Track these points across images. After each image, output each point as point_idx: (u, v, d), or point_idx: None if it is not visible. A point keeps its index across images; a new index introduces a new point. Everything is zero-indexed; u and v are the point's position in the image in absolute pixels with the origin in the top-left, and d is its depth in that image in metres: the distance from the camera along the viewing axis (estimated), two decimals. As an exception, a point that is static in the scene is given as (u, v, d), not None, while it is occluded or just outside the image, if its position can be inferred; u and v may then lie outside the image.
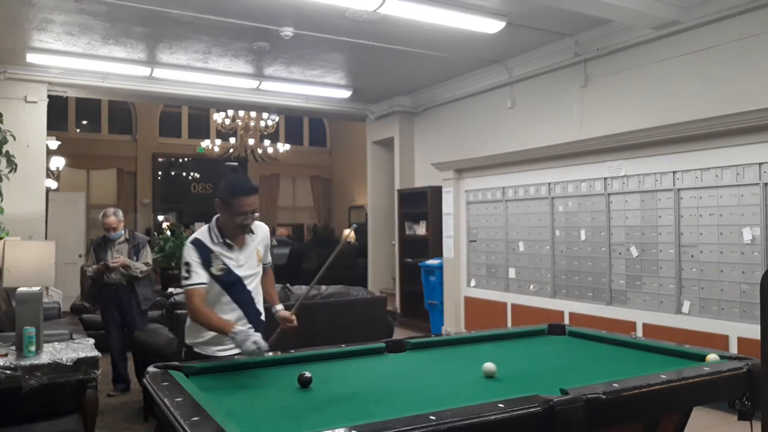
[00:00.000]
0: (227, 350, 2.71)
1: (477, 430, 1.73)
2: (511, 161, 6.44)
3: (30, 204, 7.00)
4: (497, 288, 6.67)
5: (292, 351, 2.73)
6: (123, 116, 14.02)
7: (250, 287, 2.81)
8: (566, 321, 5.61)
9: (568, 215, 5.88)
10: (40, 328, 3.33)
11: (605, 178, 5.50)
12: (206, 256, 2.67)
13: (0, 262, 4.78)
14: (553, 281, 6.00)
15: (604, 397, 1.96)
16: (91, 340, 3.66)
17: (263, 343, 2.40)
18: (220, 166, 15.45)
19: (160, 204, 14.82)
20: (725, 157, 4.56)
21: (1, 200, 5.26)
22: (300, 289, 4.86)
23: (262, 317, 2.90)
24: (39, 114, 7.28)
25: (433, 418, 1.69)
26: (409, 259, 8.68)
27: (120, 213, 5.33)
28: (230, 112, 11.01)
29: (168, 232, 9.39)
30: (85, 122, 14.00)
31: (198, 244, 2.68)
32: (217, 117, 11.32)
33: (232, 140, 11.89)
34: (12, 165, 5.38)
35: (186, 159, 15.36)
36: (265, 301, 2.96)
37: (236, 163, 15.13)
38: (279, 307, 2.93)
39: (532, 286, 6.25)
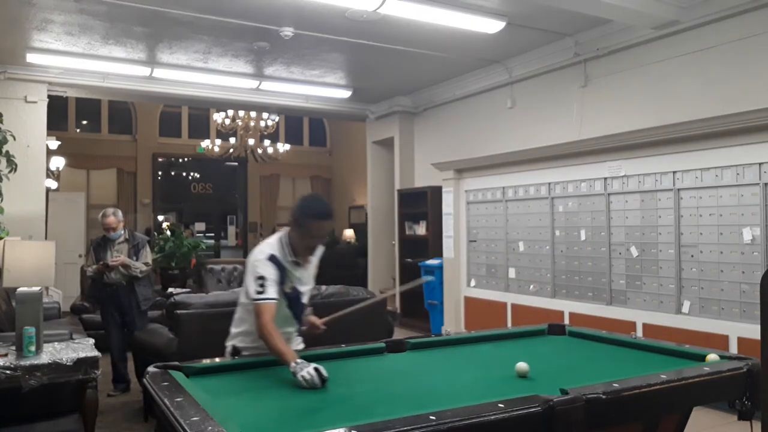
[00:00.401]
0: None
1: (477, 430, 1.73)
2: (511, 161, 6.44)
3: (30, 204, 7.00)
4: (497, 288, 6.67)
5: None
6: (123, 116, 14.01)
7: (304, 300, 2.85)
8: (566, 321, 5.61)
9: (568, 215, 5.88)
10: (40, 328, 3.33)
11: (605, 178, 5.50)
12: (282, 275, 2.64)
13: (0, 262, 4.78)
14: (553, 281, 6.00)
15: (604, 397, 1.96)
16: (91, 340, 3.66)
17: (316, 379, 2.26)
18: (220, 166, 15.44)
19: (160, 204, 14.81)
20: (725, 157, 4.56)
21: (1, 200, 5.26)
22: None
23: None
24: (39, 114, 7.28)
25: (433, 418, 1.69)
26: (409, 259, 8.68)
27: (119, 213, 5.33)
28: (230, 112, 11.01)
29: (168, 232, 9.39)
30: (85, 122, 13.99)
31: (275, 262, 2.63)
32: (217, 117, 11.31)
33: (232, 140, 11.88)
34: (12, 165, 5.38)
35: (186, 159, 15.35)
36: None
37: (236, 163, 15.14)
38: (308, 310, 2.98)
39: (532, 286, 6.25)
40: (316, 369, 2.25)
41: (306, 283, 2.83)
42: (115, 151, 13.86)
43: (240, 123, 11.35)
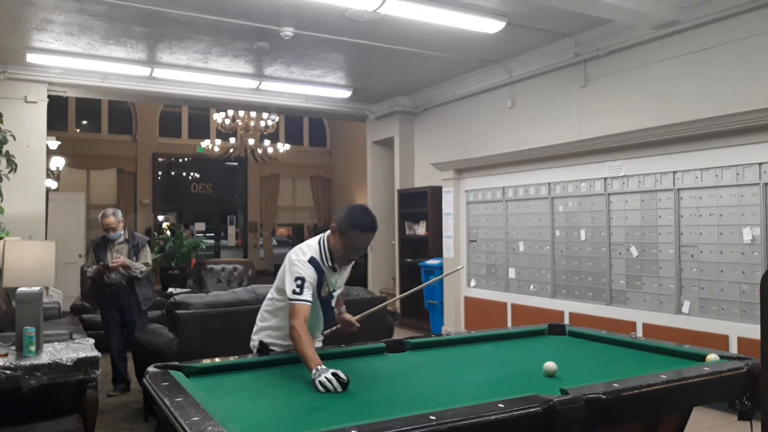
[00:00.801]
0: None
1: (477, 430, 1.73)
2: (511, 161, 6.44)
3: (30, 204, 7.00)
4: (497, 288, 6.67)
5: (293, 350, 2.73)
6: (123, 116, 14.01)
7: (333, 303, 2.90)
8: (566, 321, 5.61)
9: (568, 215, 5.88)
10: (40, 328, 3.33)
11: (605, 178, 5.50)
12: (320, 279, 2.67)
13: (0, 262, 4.77)
14: (553, 281, 6.00)
15: (604, 397, 1.96)
16: (91, 340, 3.66)
17: (336, 384, 2.24)
18: (220, 166, 15.44)
19: (160, 204, 14.80)
20: (725, 157, 4.56)
21: (1, 200, 5.26)
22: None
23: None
24: (39, 114, 7.28)
25: (433, 418, 1.69)
26: (409, 259, 8.68)
27: (119, 213, 5.32)
28: (230, 112, 11.00)
29: (168, 232, 9.38)
30: (85, 122, 13.99)
31: (316, 265, 2.64)
32: (217, 117, 11.30)
33: (232, 140, 11.88)
34: (12, 165, 5.37)
35: (186, 159, 15.34)
36: None
37: (236, 163, 15.14)
38: (342, 308, 3.04)
39: (532, 286, 6.25)
40: (334, 374, 2.23)
41: (339, 287, 2.88)
42: (115, 151, 13.86)
43: (240, 123, 11.35)
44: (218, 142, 12.59)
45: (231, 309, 4.42)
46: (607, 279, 5.46)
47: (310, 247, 2.72)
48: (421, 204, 8.43)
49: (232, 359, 2.62)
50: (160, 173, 14.85)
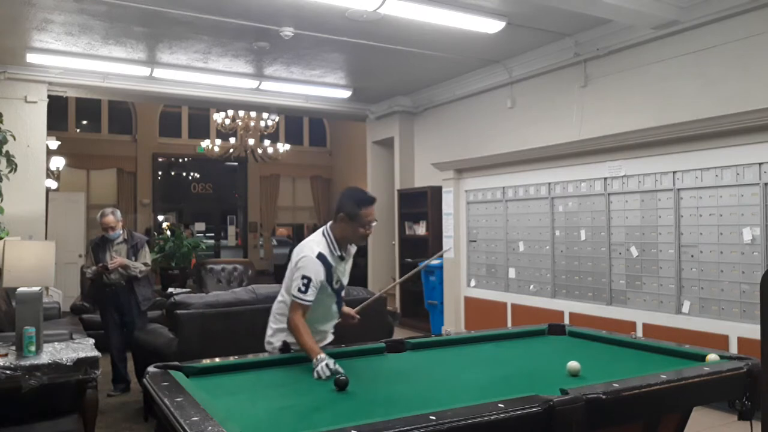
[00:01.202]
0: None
1: (477, 430, 1.73)
2: (511, 161, 6.44)
3: (30, 204, 7.00)
4: (497, 288, 6.67)
5: (293, 350, 2.73)
6: (123, 116, 14.00)
7: (342, 293, 2.95)
8: (566, 321, 5.61)
9: (568, 215, 5.88)
10: (40, 328, 3.33)
11: (605, 178, 5.50)
12: (330, 274, 2.76)
13: (0, 262, 4.77)
14: (553, 281, 6.00)
15: (604, 397, 1.96)
16: (91, 340, 3.66)
17: (328, 372, 2.40)
18: (220, 166, 15.43)
19: (160, 204, 14.80)
20: (725, 157, 4.56)
21: (1, 200, 5.26)
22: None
23: None
24: (39, 114, 7.28)
25: (433, 418, 1.70)
26: (409, 259, 8.67)
27: (118, 212, 5.32)
28: (230, 112, 11.00)
29: (168, 232, 9.38)
30: (85, 122, 13.98)
31: (325, 262, 2.73)
32: (217, 117, 11.30)
33: (232, 140, 11.87)
34: (12, 165, 5.37)
35: (186, 159, 15.34)
36: None
37: (236, 163, 15.14)
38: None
39: (532, 286, 6.25)
40: (326, 365, 2.39)
41: (346, 274, 2.95)
42: (115, 151, 13.85)
43: (240, 123, 11.34)
44: (218, 142, 12.58)
45: (231, 309, 4.42)
46: (607, 279, 5.46)
47: (317, 242, 2.80)
48: (421, 204, 8.43)
49: (232, 359, 2.62)
50: (160, 173, 14.85)
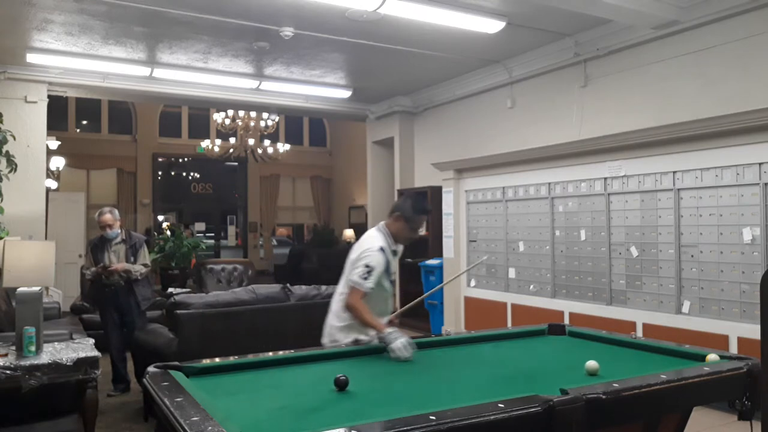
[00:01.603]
0: None
1: (477, 430, 1.73)
2: (511, 161, 6.44)
3: (30, 204, 7.00)
4: (497, 288, 6.67)
5: (293, 351, 2.73)
6: (123, 116, 14.01)
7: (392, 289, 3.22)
8: (566, 321, 5.61)
9: (568, 215, 5.88)
10: (40, 328, 3.33)
11: (605, 178, 5.50)
12: (388, 264, 3.03)
13: (0, 262, 4.77)
14: (553, 281, 6.00)
15: (604, 397, 1.96)
16: (91, 340, 3.66)
17: (409, 350, 2.67)
18: (220, 166, 15.44)
19: (160, 204, 14.81)
20: (725, 157, 4.56)
21: (1, 200, 5.26)
22: (300, 289, 4.86)
23: None
24: (39, 114, 7.27)
25: (433, 418, 1.69)
26: (409, 259, 8.67)
27: (116, 211, 5.31)
28: (230, 112, 11.00)
29: (168, 232, 9.38)
30: (85, 122, 13.99)
31: (385, 254, 3.00)
32: (217, 117, 11.31)
33: (232, 140, 11.88)
34: (12, 165, 5.37)
35: (186, 159, 15.35)
36: None
37: (236, 163, 15.14)
38: None
39: (532, 286, 6.25)
40: (405, 343, 2.64)
41: (395, 272, 3.27)
42: (115, 151, 13.86)
43: (240, 123, 11.35)
44: (218, 142, 12.59)
45: (231, 309, 4.42)
46: (607, 279, 5.46)
47: (376, 237, 3.06)
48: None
49: (232, 359, 2.62)
50: (160, 173, 14.86)
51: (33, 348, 3.25)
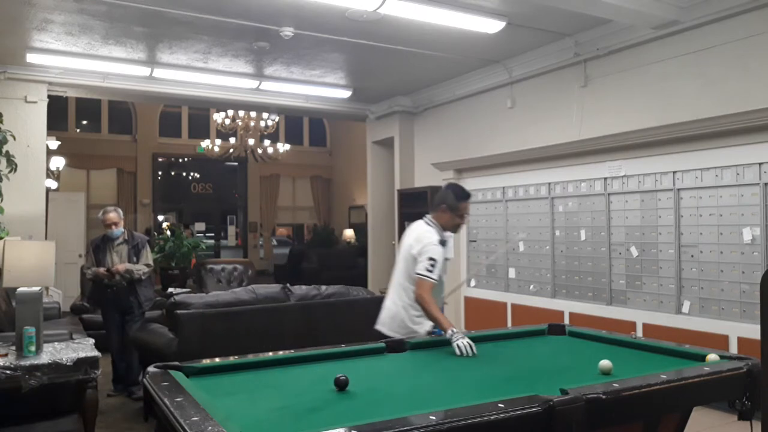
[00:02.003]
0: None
1: (477, 430, 1.73)
2: (511, 161, 6.44)
3: (30, 204, 6.99)
4: (497, 288, 6.67)
5: (292, 351, 2.73)
6: (123, 116, 14.02)
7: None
8: (566, 321, 5.62)
9: (568, 215, 5.88)
10: (40, 328, 3.33)
11: (605, 178, 5.50)
12: (443, 254, 3.20)
13: (0, 262, 4.77)
14: (553, 281, 6.00)
15: (604, 397, 1.96)
16: (91, 340, 3.66)
17: (473, 350, 2.78)
18: (220, 166, 15.44)
19: (160, 204, 14.81)
20: (725, 157, 4.56)
21: (1, 200, 5.26)
22: (300, 289, 4.85)
23: None
24: (39, 114, 7.27)
25: (433, 418, 1.70)
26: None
27: (120, 211, 5.32)
28: (230, 112, 11.01)
29: (168, 232, 9.38)
30: (85, 122, 14.00)
31: (442, 246, 3.18)
32: (217, 117, 11.31)
33: (232, 140, 11.88)
34: (12, 165, 5.37)
35: (186, 159, 15.35)
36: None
37: (236, 163, 15.14)
38: None
39: (532, 286, 6.25)
40: (467, 342, 2.74)
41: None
42: (115, 151, 13.87)
43: (240, 123, 11.35)
44: (218, 142, 12.60)
45: (231, 309, 4.42)
46: (607, 279, 5.46)
47: (429, 230, 3.23)
48: (421, 204, 8.41)
49: (232, 359, 2.63)
50: (160, 173, 14.86)
51: (33, 348, 3.25)
